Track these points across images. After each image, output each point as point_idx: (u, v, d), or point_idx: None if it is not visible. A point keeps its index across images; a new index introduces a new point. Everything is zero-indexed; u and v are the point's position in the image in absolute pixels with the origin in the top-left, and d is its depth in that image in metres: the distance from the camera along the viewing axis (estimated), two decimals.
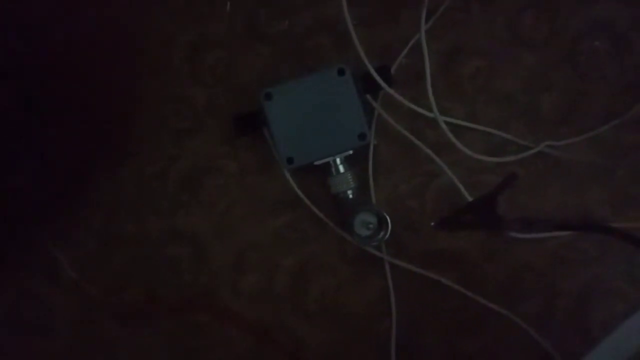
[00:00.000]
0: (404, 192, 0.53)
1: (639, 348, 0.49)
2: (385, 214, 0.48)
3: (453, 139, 0.49)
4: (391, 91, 0.49)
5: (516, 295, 0.51)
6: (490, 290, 0.52)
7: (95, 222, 0.55)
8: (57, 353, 0.54)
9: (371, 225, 0.47)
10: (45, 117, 0.56)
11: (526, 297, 0.51)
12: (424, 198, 0.53)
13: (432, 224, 0.44)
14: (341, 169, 0.50)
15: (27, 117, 0.56)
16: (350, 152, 0.50)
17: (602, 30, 0.52)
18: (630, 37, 0.51)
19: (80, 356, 0.55)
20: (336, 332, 0.53)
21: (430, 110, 0.48)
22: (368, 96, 0.52)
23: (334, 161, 0.50)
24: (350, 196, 0.51)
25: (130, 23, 0.56)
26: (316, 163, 0.50)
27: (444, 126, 0.48)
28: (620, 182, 0.51)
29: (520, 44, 0.53)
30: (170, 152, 0.55)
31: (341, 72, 0.49)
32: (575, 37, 0.52)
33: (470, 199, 0.51)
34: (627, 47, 0.51)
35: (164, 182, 0.55)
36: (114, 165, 0.56)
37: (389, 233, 0.49)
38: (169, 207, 0.55)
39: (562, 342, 0.50)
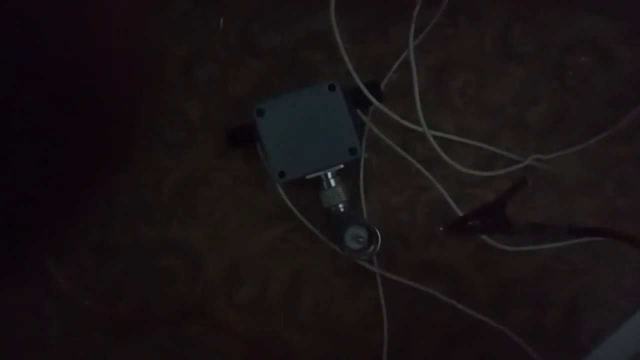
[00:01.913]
0: (395, 205, 0.54)
1: (630, 358, 0.50)
2: (375, 228, 0.49)
3: (442, 154, 0.49)
4: (381, 106, 0.49)
5: (506, 306, 0.52)
6: (480, 301, 0.52)
7: (88, 233, 0.55)
8: None
9: (361, 239, 0.48)
10: (37, 129, 0.57)
11: (516, 309, 0.52)
12: (414, 211, 0.53)
13: (441, 228, 0.44)
14: (332, 182, 0.51)
15: (19, 129, 0.57)
16: (341, 166, 0.51)
17: (588, 44, 0.53)
18: (615, 51, 0.52)
19: None
20: (329, 344, 0.54)
21: (420, 125, 0.49)
22: (358, 111, 0.52)
23: (325, 175, 0.51)
24: (342, 210, 0.51)
25: (126, 37, 0.57)
26: (308, 177, 0.51)
27: (432, 141, 0.49)
28: (608, 194, 0.52)
29: (508, 58, 0.53)
30: (164, 164, 0.56)
31: (332, 88, 0.50)
32: (563, 51, 0.53)
33: (459, 212, 0.51)
34: (612, 61, 0.52)
35: (158, 193, 0.56)
36: (109, 177, 0.56)
37: (379, 247, 0.49)
38: (163, 219, 0.55)
39: (553, 353, 0.51)
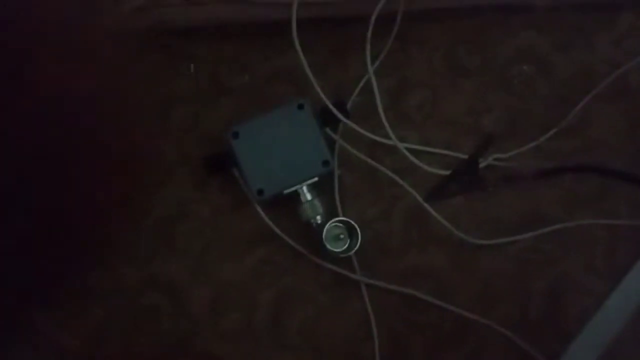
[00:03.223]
0: (371, 217, 0.56)
1: (612, 337, 0.51)
2: (350, 220, 0.51)
3: (412, 159, 0.53)
4: (348, 122, 0.53)
5: (490, 301, 0.53)
6: (464, 300, 0.53)
7: (68, 278, 0.55)
8: None
9: (342, 236, 0.50)
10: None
11: (500, 302, 0.53)
12: (390, 220, 0.56)
13: (422, 198, 0.46)
14: (309, 196, 0.53)
15: None
16: (316, 179, 0.53)
17: (527, 55, 0.58)
18: (551, 59, 0.58)
19: None
20: None
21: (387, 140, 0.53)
22: (328, 130, 0.56)
23: (302, 189, 0.53)
24: (320, 222, 0.53)
25: (100, 88, 0.60)
26: (285, 192, 0.53)
27: (402, 148, 0.52)
28: (567, 184, 0.55)
29: (457, 74, 0.59)
30: (143, 204, 0.57)
31: (301, 107, 0.53)
32: (505, 63, 0.58)
33: (434, 213, 0.54)
34: (551, 68, 0.58)
35: (138, 233, 0.56)
36: (87, 225, 0.57)
37: (359, 239, 0.51)
38: (144, 257, 0.56)
39: (540, 341, 0.52)
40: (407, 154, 0.53)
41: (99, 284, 0.55)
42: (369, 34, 0.55)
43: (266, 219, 0.54)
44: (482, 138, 0.43)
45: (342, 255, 0.51)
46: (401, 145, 0.53)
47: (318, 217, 0.53)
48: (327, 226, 0.50)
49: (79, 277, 0.55)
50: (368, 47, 0.56)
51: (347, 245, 0.51)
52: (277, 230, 0.54)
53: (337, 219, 0.51)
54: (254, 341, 0.54)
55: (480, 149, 0.43)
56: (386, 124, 0.53)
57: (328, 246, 0.50)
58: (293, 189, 0.53)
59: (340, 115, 0.53)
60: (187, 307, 0.55)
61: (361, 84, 0.58)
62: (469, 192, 0.52)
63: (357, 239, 0.51)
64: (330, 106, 0.53)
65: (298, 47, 0.52)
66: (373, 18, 0.55)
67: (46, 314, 0.54)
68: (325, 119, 0.54)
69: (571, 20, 0.58)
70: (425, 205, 0.54)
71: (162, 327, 0.54)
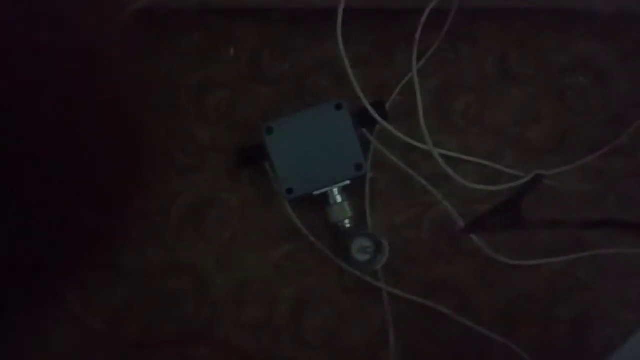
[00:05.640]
0: (400, 223, 0.54)
1: None
2: (380, 237, 0.50)
3: (446, 168, 0.51)
4: (385, 124, 0.51)
5: (514, 322, 0.52)
6: (488, 318, 0.52)
7: (97, 256, 0.56)
8: None
9: (369, 249, 0.49)
10: (49, 159, 0.58)
11: (524, 325, 0.52)
12: (420, 228, 0.54)
13: (458, 229, 0.45)
14: (338, 198, 0.52)
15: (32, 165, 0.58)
16: (348, 182, 0.52)
17: (584, 65, 0.55)
18: (610, 72, 0.54)
19: None
20: None
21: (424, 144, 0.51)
22: (364, 130, 0.54)
23: (332, 191, 0.52)
24: (348, 225, 0.52)
25: (139, 69, 0.59)
26: (315, 193, 0.52)
27: (437, 156, 0.50)
28: (609, 208, 0.53)
29: (507, 80, 0.56)
30: (174, 187, 0.57)
31: (338, 107, 0.52)
32: (560, 72, 0.55)
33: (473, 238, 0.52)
34: (608, 81, 0.54)
35: (167, 216, 0.56)
36: (121, 204, 0.57)
37: (386, 256, 0.50)
38: (171, 241, 0.56)
39: None
40: (441, 162, 0.50)
41: (125, 265, 0.56)
42: (420, 28, 0.52)
43: (294, 217, 0.54)
44: (530, 178, 0.41)
45: (365, 267, 0.50)
46: (436, 152, 0.51)
47: (346, 221, 0.52)
48: (356, 236, 0.49)
49: (104, 255, 0.56)
50: (416, 42, 0.53)
51: (371, 259, 0.50)
52: (304, 229, 0.54)
53: (367, 232, 0.50)
54: (272, 336, 0.54)
55: (525, 188, 0.41)
56: (423, 128, 0.51)
57: (353, 255, 0.49)
58: (323, 190, 0.52)
59: (378, 118, 0.51)
60: (210, 294, 0.55)
61: (403, 82, 0.56)
62: (508, 230, 0.50)
63: (383, 255, 0.50)
64: (369, 107, 0.51)
65: (340, 41, 0.50)
66: (427, 11, 0.52)
67: (73, 292, 0.55)
68: (363, 118, 0.52)
69: (636, 30, 0.54)
70: (457, 217, 0.52)
71: (185, 312, 0.55)
